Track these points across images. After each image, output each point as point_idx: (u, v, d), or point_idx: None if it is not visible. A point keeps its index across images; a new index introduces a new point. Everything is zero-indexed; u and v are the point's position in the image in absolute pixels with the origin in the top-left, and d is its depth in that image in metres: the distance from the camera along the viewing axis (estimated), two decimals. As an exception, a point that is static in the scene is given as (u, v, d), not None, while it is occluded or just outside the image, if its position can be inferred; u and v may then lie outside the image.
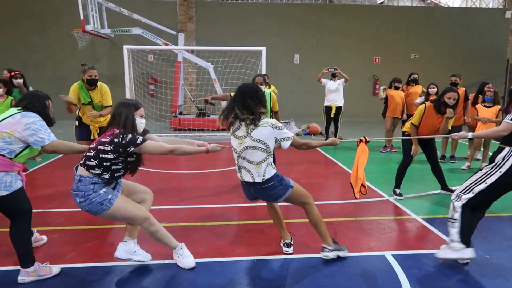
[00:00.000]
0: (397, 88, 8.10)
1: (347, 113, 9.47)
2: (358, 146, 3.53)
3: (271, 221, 3.49)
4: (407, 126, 5.10)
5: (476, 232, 3.22)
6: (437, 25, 14.26)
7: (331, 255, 3.16)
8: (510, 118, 3.02)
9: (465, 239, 3.07)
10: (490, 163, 3.07)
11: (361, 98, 13.81)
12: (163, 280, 2.93)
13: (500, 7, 14.77)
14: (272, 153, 2.96)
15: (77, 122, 5.16)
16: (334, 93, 8.87)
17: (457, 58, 14.13)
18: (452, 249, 3.08)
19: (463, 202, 3.07)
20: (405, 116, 8.04)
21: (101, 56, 13.23)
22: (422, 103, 7.56)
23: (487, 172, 3.04)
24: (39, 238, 3.49)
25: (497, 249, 3.51)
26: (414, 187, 5.40)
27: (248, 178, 2.97)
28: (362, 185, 3.42)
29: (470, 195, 3.06)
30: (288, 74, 13.49)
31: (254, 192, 3.06)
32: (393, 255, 3.33)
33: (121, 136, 2.80)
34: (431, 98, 7.39)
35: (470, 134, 3.52)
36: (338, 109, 8.86)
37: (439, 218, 4.26)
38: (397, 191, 5.05)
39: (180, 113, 11.87)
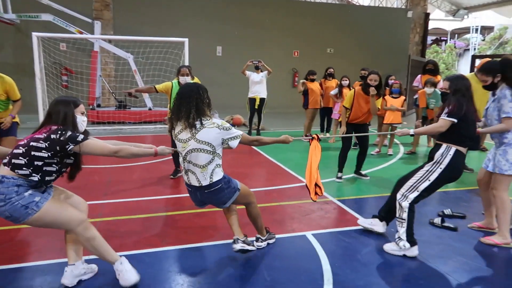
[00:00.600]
0: (312, 81, 8.59)
1: (269, 104, 9.81)
2: (310, 144, 3.48)
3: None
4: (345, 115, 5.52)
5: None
6: (350, 22, 15.27)
7: (263, 244, 3.32)
8: (447, 115, 3.19)
9: (411, 237, 3.26)
10: (429, 160, 3.28)
11: (282, 90, 14.33)
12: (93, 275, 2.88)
13: (403, 7, 16.26)
14: (220, 155, 2.89)
15: None
16: (258, 85, 9.10)
17: (367, 53, 15.29)
18: (400, 247, 3.26)
19: (410, 201, 3.24)
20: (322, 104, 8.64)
21: (5, 43, 12.03)
22: (336, 94, 8.19)
23: (428, 169, 3.23)
24: None
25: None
26: (334, 171, 5.83)
27: (194, 182, 2.87)
28: (317, 185, 3.38)
29: (416, 193, 3.24)
30: (211, 66, 13.51)
31: (200, 197, 2.96)
32: (313, 234, 3.63)
33: (59, 132, 2.52)
34: (344, 89, 8.01)
35: (412, 131, 3.63)
36: (262, 100, 9.13)
37: (352, 199, 4.70)
38: (338, 174, 5.57)
39: (98, 106, 11.30)
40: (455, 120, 3.15)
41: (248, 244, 3.06)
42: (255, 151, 7.42)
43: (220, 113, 11.50)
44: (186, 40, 9.20)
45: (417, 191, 3.23)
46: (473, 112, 3.27)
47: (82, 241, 2.64)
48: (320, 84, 8.72)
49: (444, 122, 3.18)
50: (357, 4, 17.02)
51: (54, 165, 2.55)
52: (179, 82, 5.30)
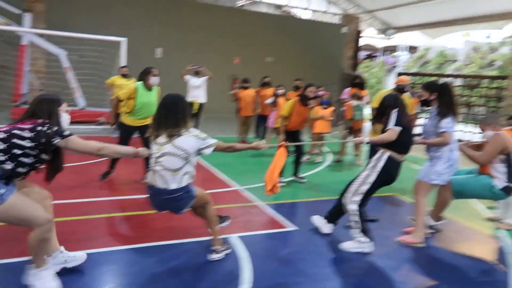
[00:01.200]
0: (245, 88, 8.89)
1: (208, 109, 9.90)
2: (278, 150, 3.80)
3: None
4: (278, 122, 5.84)
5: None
6: (289, 33, 15.88)
7: (218, 256, 3.27)
8: (393, 125, 3.52)
9: (368, 234, 3.59)
10: (367, 164, 3.67)
11: (221, 95, 14.49)
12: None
13: (338, 23, 17.23)
14: (192, 163, 3.02)
15: None
16: (197, 90, 9.16)
17: (305, 64, 15.96)
18: (359, 243, 3.60)
19: (357, 204, 3.56)
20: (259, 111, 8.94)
21: None
22: (272, 102, 8.53)
23: (367, 173, 3.58)
24: None
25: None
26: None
27: (161, 184, 2.96)
28: (275, 185, 3.66)
29: (360, 196, 3.57)
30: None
31: (160, 201, 3.04)
32: (240, 237, 3.82)
33: (47, 125, 2.55)
34: (279, 99, 8.39)
35: (367, 139, 3.95)
36: (201, 105, 9.21)
37: (279, 203, 4.98)
38: (298, 175, 6.05)
39: (25, 103, 10.65)
40: (401, 128, 3.51)
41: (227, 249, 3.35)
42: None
43: (157, 115, 11.41)
44: (123, 40, 9.04)
45: (361, 194, 3.56)
46: (410, 121, 3.72)
47: (36, 239, 2.50)
48: (257, 92, 9.02)
49: (393, 131, 3.52)
50: (297, 17, 17.74)
51: (31, 157, 2.53)
52: (145, 85, 5.08)
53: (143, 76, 5.06)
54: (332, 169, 7.32)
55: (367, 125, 8.13)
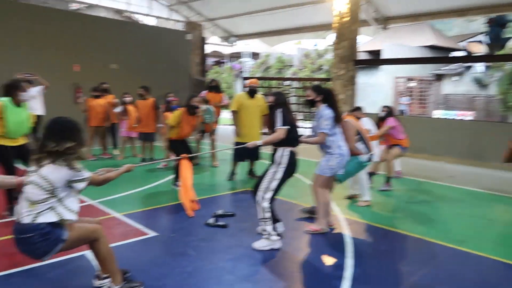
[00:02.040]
0: (97, 97, 8.33)
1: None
2: (181, 163, 3.52)
3: None
4: (170, 133, 5.85)
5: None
6: (132, 39, 15.35)
7: None
8: (281, 125, 3.78)
9: (276, 230, 3.76)
10: (272, 163, 3.85)
11: (63, 105, 13.13)
12: None
13: (183, 29, 17.47)
14: (59, 198, 2.56)
15: None
16: (33, 101, 8.14)
17: (152, 70, 15.66)
18: (270, 241, 3.75)
19: (268, 201, 3.71)
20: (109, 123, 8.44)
21: None
22: (122, 111, 8.18)
23: (274, 171, 3.79)
24: None
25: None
26: (128, 186, 5.79)
27: (17, 217, 2.54)
28: (193, 200, 3.41)
29: (271, 193, 3.73)
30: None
31: (15, 240, 2.55)
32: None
33: None
34: (128, 106, 8.10)
35: (259, 142, 4.04)
36: (39, 118, 8.19)
37: (136, 212, 4.83)
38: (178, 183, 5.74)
39: None
40: (288, 127, 3.79)
41: None
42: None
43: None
44: None
45: (271, 190, 3.75)
46: (293, 118, 3.99)
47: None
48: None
49: (281, 130, 3.79)
50: (139, 23, 17.32)
51: None
52: (13, 101, 4.43)
53: (11, 90, 4.41)
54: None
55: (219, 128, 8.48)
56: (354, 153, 4.59)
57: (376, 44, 21.73)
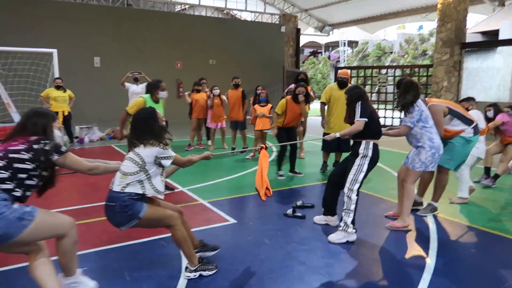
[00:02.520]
0: (198, 91, 8.88)
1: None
2: (259, 153, 3.82)
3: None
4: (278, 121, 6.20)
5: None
6: (230, 35, 16.04)
7: (192, 275, 3.07)
8: (360, 117, 3.75)
9: (354, 224, 3.78)
10: (353, 156, 3.84)
11: (167, 100, 14.36)
12: None
13: (277, 22, 17.66)
14: (147, 172, 2.85)
15: None
16: (138, 96, 9.04)
17: (247, 64, 16.21)
18: (346, 233, 3.77)
19: (356, 193, 3.76)
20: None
21: None
22: (210, 104, 8.61)
23: (359, 163, 3.78)
24: None
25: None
26: (207, 178, 6.16)
27: (111, 186, 2.86)
28: (267, 188, 3.62)
29: (358, 184, 3.77)
30: (88, 78, 12.95)
31: (104, 206, 2.86)
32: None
33: (42, 142, 2.44)
34: (216, 99, 8.53)
35: (338, 134, 4.01)
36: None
37: (220, 200, 5.09)
38: (279, 172, 6.35)
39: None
40: (367, 120, 3.74)
41: (204, 269, 3.08)
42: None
43: (100, 126, 11.13)
44: (54, 51, 8.77)
45: (358, 182, 3.78)
46: (374, 111, 3.93)
47: (68, 246, 2.54)
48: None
49: (360, 122, 3.76)
50: (240, 18, 17.98)
51: (35, 178, 2.43)
52: (152, 98, 5.02)
53: (152, 89, 5.04)
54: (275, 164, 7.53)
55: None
56: (454, 134, 4.34)
57: (491, 23, 19.30)
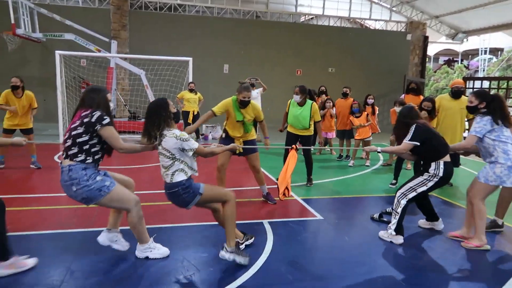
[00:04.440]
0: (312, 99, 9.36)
1: (271, 119, 10.54)
2: (289, 152, 4.04)
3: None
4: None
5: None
6: (351, 44, 16.15)
7: (227, 256, 3.22)
8: (409, 140, 3.85)
9: (400, 228, 3.93)
10: (420, 173, 3.96)
11: (285, 105, 15.18)
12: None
13: (403, 30, 17.06)
14: (181, 160, 3.15)
15: None
16: (253, 101, 9.96)
17: (367, 73, 16.09)
18: (389, 234, 3.96)
19: (408, 199, 3.90)
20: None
21: (32, 59, 13.36)
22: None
23: (426, 178, 3.88)
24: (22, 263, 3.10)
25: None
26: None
27: (164, 179, 3.23)
28: (287, 187, 3.83)
29: (414, 193, 3.90)
30: (217, 83, 14.54)
31: (166, 195, 3.25)
32: (269, 222, 4.43)
33: (90, 114, 2.98)
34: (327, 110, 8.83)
35: (379, 149, 4.14)
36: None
37: (313, 199, 5.49)
38: (393, 181, 6.40)
39: (113, 117, 12.37)
40: (417, 143, 3.83)
41: (238, 254, 3.23)
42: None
43: (222, 126, 12.45)
44: (190, 59, 10.22)
45: (415, 192, 3.91)
46: (434, 132, 3.94)
47: (134, 218, 3.17)
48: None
49: (406, 145, 3.89)
50: (370, 27, 17.91)
51: (97, 145, 3.04)
52: (237, 99, 5.07)
53: (237, 92, 5.22)
54: (376, 172, 7.57)
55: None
56: None
57: None
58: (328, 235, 4.16)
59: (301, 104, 5.98)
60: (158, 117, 3.13)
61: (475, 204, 3.88)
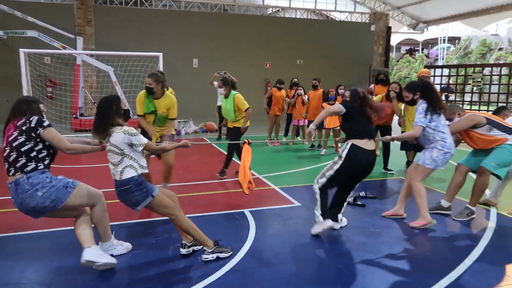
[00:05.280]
0: (279, 89, 9.53)
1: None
2: (242, 147, 3.89)
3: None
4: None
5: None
6: (317, 36, 16.47)
7: (210, 257, 3.29)
8: (339, 103, 3.91)
9: (324, 213, 3.83)
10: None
11: (255, 98, 15.35)
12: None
13: (367, 21, 17.56)
14: (130, 156, 3.11)
15: None
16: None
17: (334, 64, 16.48)
18: (317, 224, 3.87)
19: (319, 186, 3.84)
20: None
21: (-8, 58, 12.85)
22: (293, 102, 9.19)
23: (335, 161, 3.82)
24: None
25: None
26: (282, 167, 6.82)
27: (113, 177, 3.15)
28: (249, 181, 3.77)
29: (324, 179, 3.81)
30: (187, 77, 14.50)
31: (116, 193, 3.16)
32: (250, 211, 4.60)
33: (27, 121, 2.93)
34: (298, 98, 9.07)
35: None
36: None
37: (290, 187, 5.71)
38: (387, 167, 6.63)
39: (81, 115, 12.15)
40: (343, 108, 3.80)
41: (220, 252, 3.31)
42: (219, 151, 8.39)
43: (195, 120, 12.48)
44: (160, 54, 10.16)
45: (325, 177, 3.80)
46: (369, 114, 3.92)
47: (99, 215, 3.19)
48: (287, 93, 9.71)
49: (336, 107, 3.91)
50: (336, 19, 18.29)
51: (43, 150, 2.97)
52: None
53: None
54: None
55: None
56: (499, 140, 4.24)
57: None
58: (307, 220, 4.37)
59: (226, 96, 6.14)
60: (110, 113, 3.10)
61: (413, 186, 4.12)
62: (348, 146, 3.75)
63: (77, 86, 12.06)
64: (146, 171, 3.20)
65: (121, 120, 3.17)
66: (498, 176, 4.32)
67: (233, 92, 6.11)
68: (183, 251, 3.39)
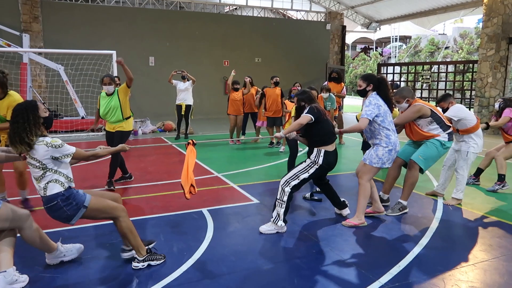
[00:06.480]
0: (236, 90, 9.49)
1: (200, 110, 10.61)
2: (186, 148, 3.72)
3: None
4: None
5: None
6: (275, 34, 16.60)
7: (140, 265, 3.15)
8: (305, 113, 3.93)
9: (285, 217, 3.93)
10: (305, 160, 4.05)
11: (214, 97, 15.29)
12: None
13: (322, 20, 17.93)
14: (55, 170, 2.89)
15: None
16: (184, 93, 9.93)
17: (292, 62, 16.68)
18: (276, 225, 3.90)
19: (291, 187, 3.88)
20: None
21: None
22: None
23: (308, 164, 3.95)
24: None
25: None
26: (241, 165, 6.83)
27: (38, 193, 2.95)
28: (192, 185, 3.60)
29: (296, 181, 3.90)
30: (144, 76, 14.12)
31: (46, 210, 2.95)
32: (208, 210, 4.57)
33: None
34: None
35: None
36: (188, 107, 9.93)
37: (248, 184, 5.73)
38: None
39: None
40: (312, 117, 3.90)
41: (152, 260, 3.19)
42: (178, 151, 8.27)
43: (152, 119, 12.21)
44: (113, 52, 9.85)
45: (298, 179, 3.93)
46: (325, 118, 4.05)
47: (30, 233, 2.93)
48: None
49: (304, 118, 3.92)
50: (292, 17, 18.47)
51: None
52: (106, 93, 5.46)
53: (101, 84, 5.60)
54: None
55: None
56: (430, 136, 4.35)
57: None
58: (265, 216, 4.40)
59: (110, 94, 5.55)
60: (26, 123, 2.80)
61: (361, 184, 4.15)
62: (322, 154, 3.98)
63: (24, 85, 11.41)
64: (73, 184, 3.00)
65: (42, 130, 2.89)
66: (421, 170, 4.36)
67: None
68: (125, 255, 3.26)
